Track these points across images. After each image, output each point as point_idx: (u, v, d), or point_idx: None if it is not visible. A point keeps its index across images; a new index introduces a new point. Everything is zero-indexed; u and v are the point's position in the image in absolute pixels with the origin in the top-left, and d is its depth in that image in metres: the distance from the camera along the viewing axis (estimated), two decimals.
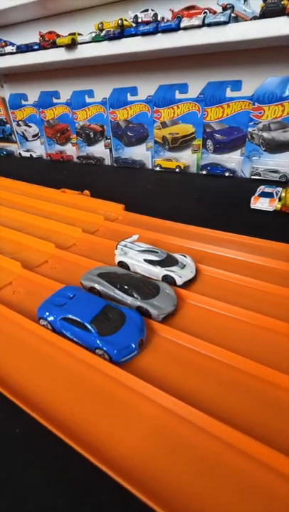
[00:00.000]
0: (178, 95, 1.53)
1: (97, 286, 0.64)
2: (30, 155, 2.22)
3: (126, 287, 0.62)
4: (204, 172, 1.56)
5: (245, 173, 1.49)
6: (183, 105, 1.53)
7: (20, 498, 0.37)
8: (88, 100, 1.84)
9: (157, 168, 1.70)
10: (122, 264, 0.75)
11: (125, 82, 1.64)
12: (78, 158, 2.01)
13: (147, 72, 1.57)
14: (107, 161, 1.94)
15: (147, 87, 1.58)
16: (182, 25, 1.11)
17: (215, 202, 1.23)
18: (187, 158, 1.64)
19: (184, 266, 0.71)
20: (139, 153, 1.79)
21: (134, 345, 0.51)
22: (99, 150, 1.95)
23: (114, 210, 1.08)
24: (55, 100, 1.99)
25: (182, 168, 1.61)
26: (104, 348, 0.50)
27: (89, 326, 0.52)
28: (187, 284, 0.69)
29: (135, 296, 0.61)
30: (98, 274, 0.68)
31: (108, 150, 1.91)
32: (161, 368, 0.51)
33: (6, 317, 0.62)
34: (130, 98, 1.68)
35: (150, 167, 1.78)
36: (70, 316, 0.54)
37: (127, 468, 0.38)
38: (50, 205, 1.11)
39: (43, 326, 0.57)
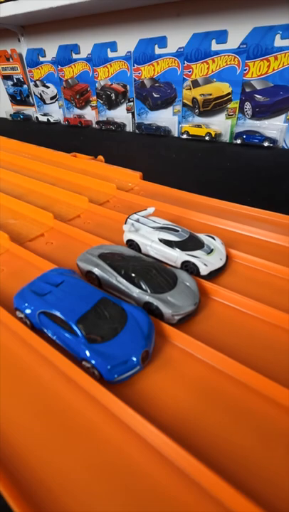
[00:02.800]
0: (214, 46, 1.29)
1: (95, 270, 0.50)
2: (48, 119, 2.05)
3: (132, 275, 0.47)
4: (239, 141, 1.34)
5: None
6: (220, 59, 1.29)
7: None
8: (111, 55, 1.63)
9: (184, 136, 1.49)
10: (131, 243, 0.59)
11: (153, 31, 1.41)
12: (97, 123, 1.83)
13: (179, 18, 1.33)
14: (129, 127, 1.75)
15: (179, 36, 1.35)
16: None
17: (250, 176, 1.03)
18: (220, 124, 1.41)
19: (212, 251, 0.54)
20: (165, 118, 1.58)
21: (135, 360, 0.36)
22: (120, 114, 1.75)
23: (129, 179, 0.92)
24: (74, 56, 1.78)
25: (213, 135, 1.40)
26: (93, 362, 0.35)
27: (75, 328, 0.38)
28: (214, 275, 0.52)
29: (144, 287, 0.46)
30: (99, 254, 0.53)
31: (130, 114, 1.71)
32: (171, 393, 0.36)
33: None
34: (158, 51, 1.45)
35: (176, 134, 1.57)
36: (52, 311, 0.39)
37: None
38: (56, 171, 0.96)
39: (20, 319, 0.44)
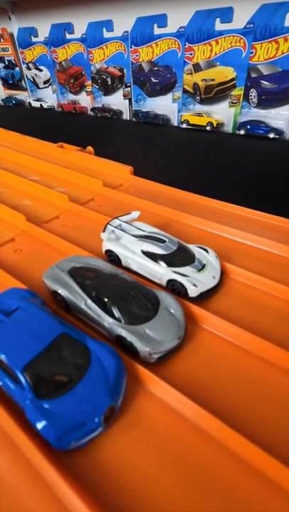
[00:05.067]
0: (219, 25, 1.17)
1: (61, 290, 0.41)
2: (41, 105, 1.94)
3: (105, 299, 0.39)
4: (242, 132, 1.24)
5: None
6: (224, 40, 1.17)
7: None
8: (106, 35, 1.51)
9: (184, 125, 1.39)
10: (110, 254, 0.51)
11: (152, 8, 1.29)
12: (93, 110, 1.72)
13: None
14: (126, 115, 1.64)
15: (180, 14, 1.23)
16: None
17: (253, 171, 0.94)
18: (222, 112, 1.31)
19: (203, 267, 0.45)
20: (164, 105, 1.47)
21: (96, 421, 0.28)
22: (117, 101, 1.64)
23: (119, 173, 0.82)
24: (68, 36, 1.66)
25: (215, 125, 1.29)
26: (39, 426, 0.27)
27: (20, 377, 0.30)
28: (205, 296, 0.44)
29: (117, 316, 0.37)
30: (70, 269, 0.44)
31: (127, 101, 1.60)
32: (137, 466, 0.28)
33: None
34: (157, 31, 1.33)
35: (176, 124, 1.46)
36: None
37: None
38: (39, 163, 0.87)
39: None
